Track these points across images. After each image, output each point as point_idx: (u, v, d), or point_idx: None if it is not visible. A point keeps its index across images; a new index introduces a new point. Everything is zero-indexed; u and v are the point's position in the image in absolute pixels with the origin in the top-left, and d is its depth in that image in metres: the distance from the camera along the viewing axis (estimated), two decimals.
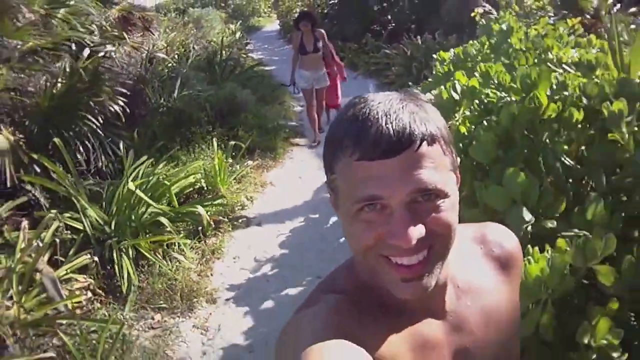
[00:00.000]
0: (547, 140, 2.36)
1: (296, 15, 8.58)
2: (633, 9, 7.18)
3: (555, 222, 2.01)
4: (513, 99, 2.53)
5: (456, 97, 3.07)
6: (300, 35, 6.85)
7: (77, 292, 3.81)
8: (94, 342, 3.20)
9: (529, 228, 1.99)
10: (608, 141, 2.15)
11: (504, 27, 4.11)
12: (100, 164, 5.36)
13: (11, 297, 3.44)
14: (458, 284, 0.84)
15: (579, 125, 2.33)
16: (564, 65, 3.08)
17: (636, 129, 2.09)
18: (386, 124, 0.68)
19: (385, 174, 0.68)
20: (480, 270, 0.89)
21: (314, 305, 0.77)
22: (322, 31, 7.05)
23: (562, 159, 2.34)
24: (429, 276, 0.72)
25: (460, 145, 2.63)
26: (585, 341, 1.62)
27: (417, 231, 0.68)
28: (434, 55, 4.41)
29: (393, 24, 11.12)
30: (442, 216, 0.71)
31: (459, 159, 0.80)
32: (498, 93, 2.81)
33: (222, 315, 3.65)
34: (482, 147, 2.42)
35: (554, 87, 2.54)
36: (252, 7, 18.26)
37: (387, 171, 0.68)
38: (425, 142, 0.69)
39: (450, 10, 9.32)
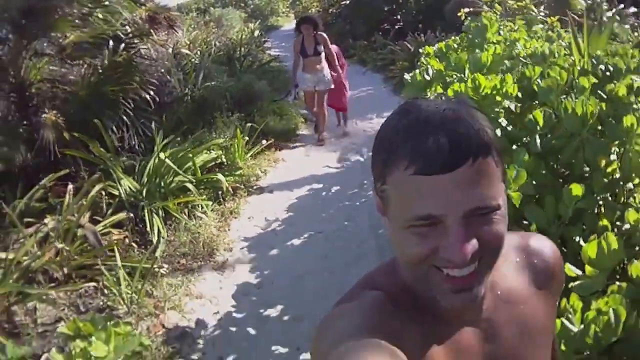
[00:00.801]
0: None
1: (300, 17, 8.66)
2: (633, 9, 7.75)
3: None
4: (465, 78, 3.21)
5: (427, 78, 3.75)
6: (301, 39, 6.97)
7: (114, 242, 4.54)
8: (128, 279, 3.87)
9: None
10: (540, 110, 2.79)
11: (479, 24, 4.77)
12: (133, 142, 6.11)
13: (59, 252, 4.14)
14: (498, 292, 0.83)
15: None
16: (520, 57, 3.76)
17: (564, 99, 2.73)
18: (443, 137, 0.67)
19: (442, 191, 0.67)
20: (520, 280, 0.88)
21: (354, 300, 0.78)
22: (324, 35, 7.13)
23: (503, 125, 3.00)
24: (478, 287, 0.73)
25: None
26: None
27: (472, 246, 0.68)
28: None
29: (401, 24, 11.80)
30: (495, 229, 0.70)
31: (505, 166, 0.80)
32: (456, 75, 3.50)
33: (237, 260, 4.36)
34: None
35: (503, 70, 3.25)
36: (270, 7, 19.09)
37: (443, 187, 0.67)
38: (481, 155, 0.68)
39: (450, 10, 9.94)
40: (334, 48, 7.33)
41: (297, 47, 7.03)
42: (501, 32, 4.75)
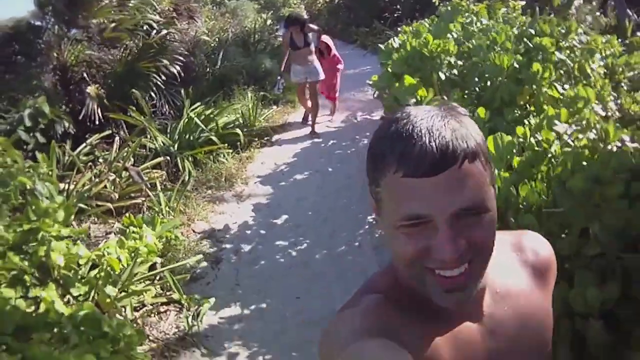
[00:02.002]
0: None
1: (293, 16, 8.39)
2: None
3: None
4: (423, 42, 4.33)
5: (396, 45, 4.86)
6: (290, 33, 7.06)
7: (155, 177, 5.71)
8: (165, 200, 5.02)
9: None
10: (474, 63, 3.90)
11: (448, 8, 5.88)
12: (164, 110, 7.31)
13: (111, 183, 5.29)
14: (496, 289, 0.85)
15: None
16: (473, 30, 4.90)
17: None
18: (430, 141, 0.69)
19: (429, 192, 0.69)
20: (517, 276, 0.90)
21: (355, 305, 0.79)
22: (312, 26, 7.37)
23: (445, 73, 4.12)
24: (470, 287, 0.74)
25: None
26: None
27: (461, 246, 0.70)
28: None
29: (400, 12, 12.90)
30: (483, 231, 0.72)
31: (495, 172, 0.75)
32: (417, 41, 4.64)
33: (251, 190, 5.52)
34: (397, 64, 4.23)
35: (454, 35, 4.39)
36: None
37: (431, 189, 0.69)
38: (467, 160, 0.70)
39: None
40: (325, 38, 7.63)
41: (287, 40, 7.16)
42: (467, 14, 5.84)
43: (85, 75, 7.34)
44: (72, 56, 7.17)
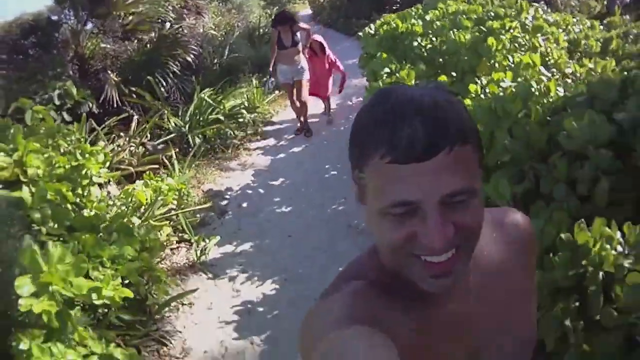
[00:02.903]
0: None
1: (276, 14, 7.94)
2: None
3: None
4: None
5: (371, 32, 5.56)
6: (277, 32, 6.80)
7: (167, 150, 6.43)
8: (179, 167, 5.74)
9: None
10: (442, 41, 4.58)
11: None
12: (176, 96, 8.04)
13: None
14: (480, 267, 0.83)
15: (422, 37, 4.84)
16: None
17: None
18: (419, 125, 0.65)
19: (418, 178, 0.66)
20: (500, 253, 0.88)
21: (336, 292, 0.77)
22: (302, 25, 7.12)
23: (414, 51, 4.82)
24: (457, 272, 0.72)
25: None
26: None
27: (449, 232, 0.68)
28: None
29: (398, 5, 13.55)
30: (472, 215, 0.70)
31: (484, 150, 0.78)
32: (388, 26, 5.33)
33: (254, 160, 6.26)
34: (371, 46, 4.94)
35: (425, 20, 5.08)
36: None
37: (420, 175, 0.66)
38: (458, 144, 0.67)
39: None
40: (319, 38, 7.44)
41: (274, 40, 6.87)
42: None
43: (102, 65, 8.07)
44: (89, 50, 7.91)
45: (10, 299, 2.16)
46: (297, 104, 7.00)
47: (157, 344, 3.23)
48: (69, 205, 2.84)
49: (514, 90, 3.34)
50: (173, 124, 7.04)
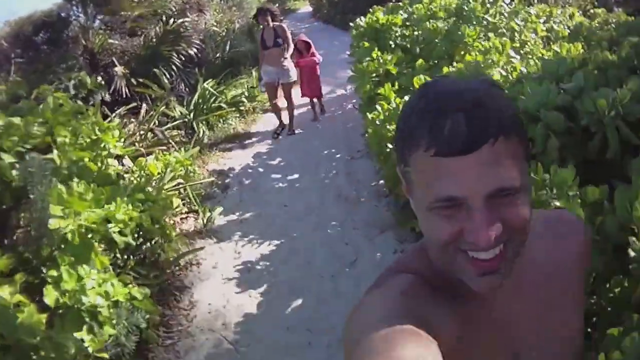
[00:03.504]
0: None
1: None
2: None
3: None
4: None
5: (360, 23, 6.03)
6: (261, 31, 6.83)
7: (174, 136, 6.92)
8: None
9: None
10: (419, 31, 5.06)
11: None
12: (181, 87, 8.53)
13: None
14: (528, 268, 0.82)
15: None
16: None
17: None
18: (461, 118, 0.65)
19: (463, 172, 0.65)
20: (550, 254, 0.86)
21: (384, 285, 0.77)
22: (284, 26, 6.95)
23: (397, 41, 5.29)
24: (504, 270, 0.70)
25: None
26: None
27: (496, 229, 0.67)
28: None
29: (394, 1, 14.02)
30: (519, 211, 0.69)
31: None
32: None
33: (254, 143, 6.74)
34: (357, 37, 5.42)
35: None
36: None
37: (464, 169, 0.65)
38: (501, 136, 0.66)
39: None
40: (302, 37, 7.49)
41: (258, 38, 6.90)
42: None
43: (110, 59, 8.56)
44: (97, 45, 8.40)
45: (45, 232, 2.65)
46: (279, 105, 6.96)
47: (168, 297, 3.71)
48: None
49: (482, 65, 3.83)
50: (178, 112, 7.51)
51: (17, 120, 3.09)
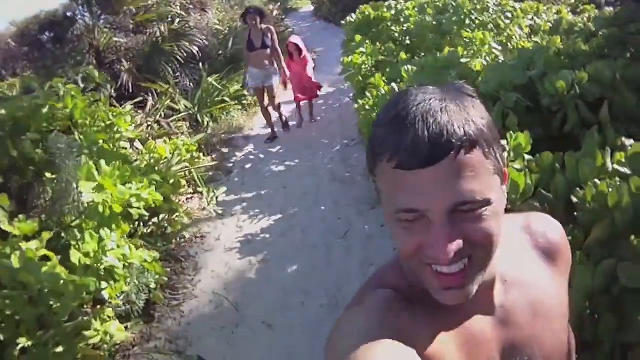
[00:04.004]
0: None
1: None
2: None
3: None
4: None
5: (351, 20, 6.40)
6: (248, 32, 6.53)
7: (180, 128, 7.29)
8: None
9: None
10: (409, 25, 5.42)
11: None
12: (185, 82, 8.91)
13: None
14: (505, 277, 0.81)
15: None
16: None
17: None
18: (423, 130, 0.64)
19: (422, 186, 0.65)
20: (527, 262, 0.86)
21: (363, 301, 0.76)
22: (273, 29, 6.65)
23: (389, 33, 5.65)
24: (469, 285, 0.70)
25: None
26: None
27: (456, 245, 0.66)
28: None
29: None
30: (483, 226, 0.67)
31: (505, 154, 0.65)
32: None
33: (255, 133, 7.14)
34: (349, 32, 5.80)
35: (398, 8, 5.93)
36: None
37: (424, 182, 0.65)
38: (463, 150, 0.65)
39: None
40: (295, 39, 7.22)
41: (244, 40, 6.63)
42: None
43: (116, 57, 8.95)
44: (102, 43, 8.78)
45: (69, 202, 3.03)
46: (269, 110, 6.73)
47: (174, 264, 4.08)
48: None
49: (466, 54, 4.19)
50: (183, 106, 7.89)
51: (44, 102, 3.46)
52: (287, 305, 3.54)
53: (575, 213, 2.10)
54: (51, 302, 2.63)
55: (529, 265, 0.86)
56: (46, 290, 2.62)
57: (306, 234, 4.36)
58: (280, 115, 7.00)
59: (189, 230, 4.51)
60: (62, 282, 2.55)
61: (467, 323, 0.77)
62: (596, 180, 1.97)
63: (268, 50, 6.46)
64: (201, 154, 5.93)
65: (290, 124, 7.18)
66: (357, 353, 0.65)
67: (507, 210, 0.75)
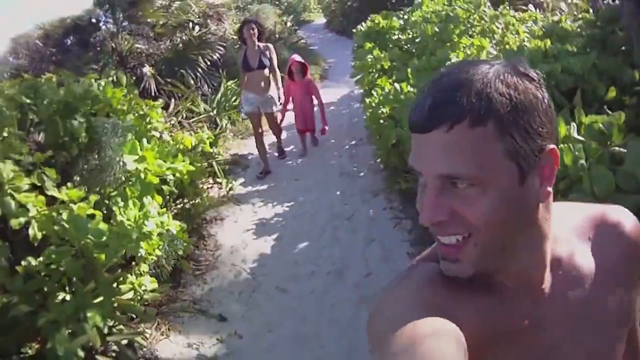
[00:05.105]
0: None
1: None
2: None
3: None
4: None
5: (362, 28, 6.90)
6: (244, 50, 5.79)
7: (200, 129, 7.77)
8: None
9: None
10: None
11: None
12: (205, 88, 9.43)
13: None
14: (563, 267, 0.77)
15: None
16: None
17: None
18: (429, 99, 0.66)
19: (420, 149, 0.68)
20: (591, 258, 0.79)
21: (410, 275, 0.76)
22: (271, 46, 5.92)
23: (397, 36, 6.15)
24: (464, 262, 0.70)
25: None
26: None
27: (439, 213, 0.67)
28: None
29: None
30: (475, 206, 0.66)
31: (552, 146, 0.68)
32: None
33: (273, 137, 7.57)
34: (359, 39, 6.31)
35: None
36: (303, 4, 22.74)
37: (422, 146, 0.68)
38: (462, 125, 0.64)
39: None
40: (298, 57, 6.49)
41: (240, 60, 5.85)
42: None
43: (139, 62, 9.49)
44: (125, 49, 9.32)
45: (111, 174, 3.50)
46: (264, 141, 6.12)
47: (198, 239, 4.52)
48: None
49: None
50: (203, 109, 8.40)
51: (94, 87, 3.95)
52: (298, 274, 3.98)
53: None
54: (95, 255, 3.07)
55: (592, 263, 0.79)
56: (91, 244, 3.04)
57: (315, 217, 4.82)
58: (280, 141, 6.43)
59: (209, 214, 4.96)
60: (105, 236, 2.99)
61: (509, 310, 0.74)
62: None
63: (266, 71, 5.74)
64: (220, 150, 6.40)
65: (287, 149, 6.75)
66: (402, 328, 0.64)
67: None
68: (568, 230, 0.79)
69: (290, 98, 6.40)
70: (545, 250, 0.74)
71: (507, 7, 7.04)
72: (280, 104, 5.99)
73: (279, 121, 6.16)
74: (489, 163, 0.65)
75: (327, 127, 6.48)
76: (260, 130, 5.98)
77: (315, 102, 6.48)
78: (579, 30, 4.95)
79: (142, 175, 3.32)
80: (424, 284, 0.73)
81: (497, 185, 0.65)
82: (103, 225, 3.09)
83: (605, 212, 0.84)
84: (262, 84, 5.75)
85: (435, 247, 0.76)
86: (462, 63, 0.71)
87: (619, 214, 0.84)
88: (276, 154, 6.52)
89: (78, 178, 3.87)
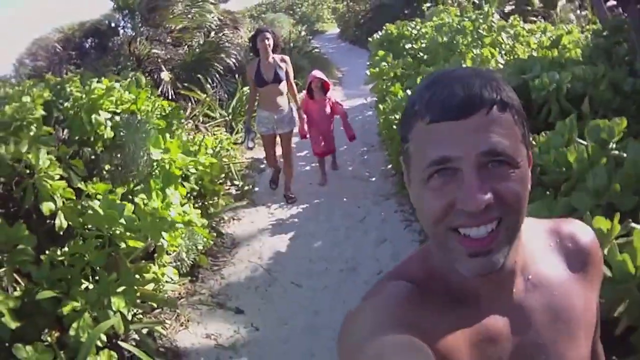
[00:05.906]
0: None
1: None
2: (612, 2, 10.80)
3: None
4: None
5: (377, 37, 7.10)
6: (256, 62, 5.03)
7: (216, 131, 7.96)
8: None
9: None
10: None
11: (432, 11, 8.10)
12: (221, 94, 9.64)
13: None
14: (529, 276, 0.80)
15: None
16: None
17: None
18: (458, 88, 0.68)
19: (455, 135, 0.67)
20: (553, 265, 0.84)
21: (380, 293, 0.77)
22: (287, 58, 5.24)
23: (410, 45, 6.34)
24: (497, 252, 0.69)
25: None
26: None
27: (487, 195, 0.66)
28: None
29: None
30: (511, 185, 0.68)
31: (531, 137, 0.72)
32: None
33: None
34: (374, 46, 6.51)
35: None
36: (317, 14, 23.06)
37: (457, 132, 0.67)
38: (496, 107, 0.68)
39: None
40: (319, 74, 5.77)
41: (251, 73, 5.06)
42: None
43: (157, 66, 9.72)
44: (143, 54, 9.56)
45: (134, 168, 3.68)
46: (278, 164, 5.55)
47: (216, 237, 4.68)
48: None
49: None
50: (219, 114, 8.60)
51: (118, 85, 4.16)
52: (312, 271, 4.14)
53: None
54: (123, 243, 3.22)
55: (554, 269, 0.83)
56: (118, 232, 3.17)
57: (329, 219, 4.98)
58: (290, 177, 5.48)
59: (226, 214, 5.13)
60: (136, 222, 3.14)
61: (483, 320, 0.75)
62: (562, 149, 2.55)
63: (282, 85, 5.04)
64: (237, 153, 6.59)
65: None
66: (369, 346, 0.65)
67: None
68: (530, 239, 0.82)
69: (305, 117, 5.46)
70: (519, 251, 0.78)
71: (518, 18, 7.21)
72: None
73: (303, 136, 5.54)
74: (517, 145, 0.70)
75: (354, 133, 6.06)
76: (274, 150, 5.41)
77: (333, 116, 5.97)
78: (584, 41, 5.10)
79: (167, 166, 3.49)
80: (394, 301, 0.74)
81: (521, 166, 0.70)
82: (130, 215, 3.25)
83: (561, 225, 0.89)
84: (278, 99, 5.07)
85: (406, 264, 0.82)
86: (450, 68, 0.79)
87: (573, 226, 0.90)
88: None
89: (105, 173, 4.07)
